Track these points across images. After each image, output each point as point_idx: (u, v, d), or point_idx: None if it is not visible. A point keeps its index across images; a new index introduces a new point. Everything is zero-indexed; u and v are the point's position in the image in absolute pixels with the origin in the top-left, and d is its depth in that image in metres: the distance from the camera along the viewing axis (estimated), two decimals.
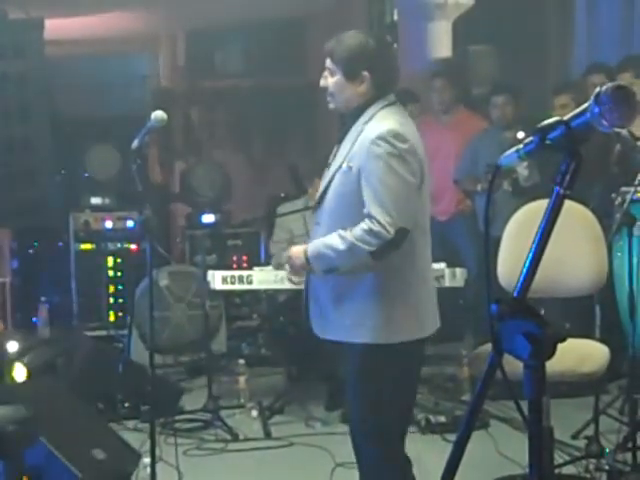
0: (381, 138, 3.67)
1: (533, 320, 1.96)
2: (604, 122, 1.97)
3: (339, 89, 3.86)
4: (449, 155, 7.41)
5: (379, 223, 3.62)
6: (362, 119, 3.80)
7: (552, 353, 1.96)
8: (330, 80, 3.87)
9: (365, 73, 3.80)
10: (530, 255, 2.05)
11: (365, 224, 3.64)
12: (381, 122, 3.74)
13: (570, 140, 2.03)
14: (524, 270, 2.04)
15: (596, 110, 1.97)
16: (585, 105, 2.01)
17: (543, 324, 1.96)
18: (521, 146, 2.15)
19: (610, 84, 1.99)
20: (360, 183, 3.72)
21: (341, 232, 3.70)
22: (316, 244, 3.80)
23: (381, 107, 3.81)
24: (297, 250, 3.90)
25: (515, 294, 2.02)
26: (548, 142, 2.07)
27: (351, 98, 3.85)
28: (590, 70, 6.84)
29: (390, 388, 3.81)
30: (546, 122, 2.10)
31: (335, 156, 3.90)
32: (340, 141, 3.90)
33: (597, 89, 1.98)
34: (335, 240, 3.71)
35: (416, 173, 3.73)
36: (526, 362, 1.96)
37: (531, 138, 2.12)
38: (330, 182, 3.85)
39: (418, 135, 3.84)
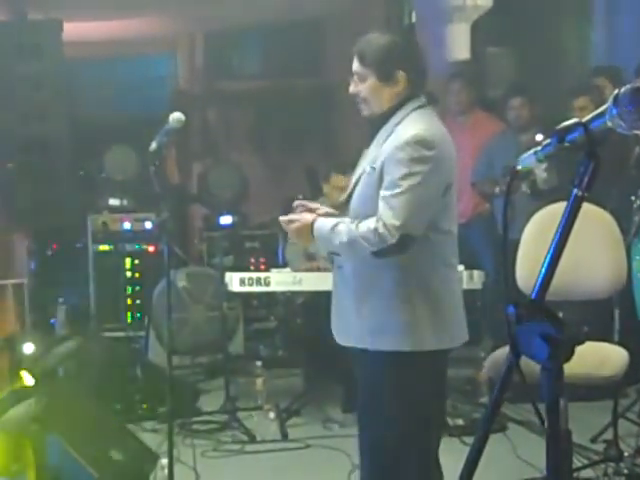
0: (407, 143, 3.60)
1: (551, 322, 1.95)
2: (622, 124, 1.97)
3: (374, 93, 3.75)
4: (466, 156, 7.38)
5: (385, 226, 3.55)
6: (393, 120, 3.73)
7: (570, 355, 1.96)
8: (362, 86, 3.77)
9: (401, 73, 3.71)
10: (548, 257, 2.04)
11: (372, 223, 3.59)
12: (411, 126, 3.67)
13: (588, 142, 2.03)
14: (542, 272, 2.04)
15: (614, 112, 1.97)
16: (604, 107, 2.01)
17: (561, 326, 1.95)
18: (539, 148, 2.15)
19: (629, 86, 1.99)
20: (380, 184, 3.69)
21: (349, 224, 3.67)
22: (323, 226, 3.74)
23: (412, 109, 3.74)
24: (305, 222, 3.81)
25: (533, 296, 2.02)
26: (566, 144, 2.07)
27: (386, 100, 3.75)
28: (594, 72, 6.86)
29: (417, 400, 3.73)
30: (564, 124, 2.10)
31: (363, 159, 3.87)
32: (369, 143, 3.84)
33: (616, 91, 1.98)
34: (342, 229, 3.66)
35: (440, 180, 3.68)
36: (544, 364, 1.96)
37: (549, 140, 2.12)
38: (356, 185, 3.82)
39: (449, 140, 3.79)
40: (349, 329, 3.82)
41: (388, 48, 3.75)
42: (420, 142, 3.62)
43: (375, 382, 3.81)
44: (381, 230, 3.58)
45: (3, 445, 4.72)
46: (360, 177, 3.80)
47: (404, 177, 3.59)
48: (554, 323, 1.96)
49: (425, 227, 3.68)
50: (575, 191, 2.03)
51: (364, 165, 3.79)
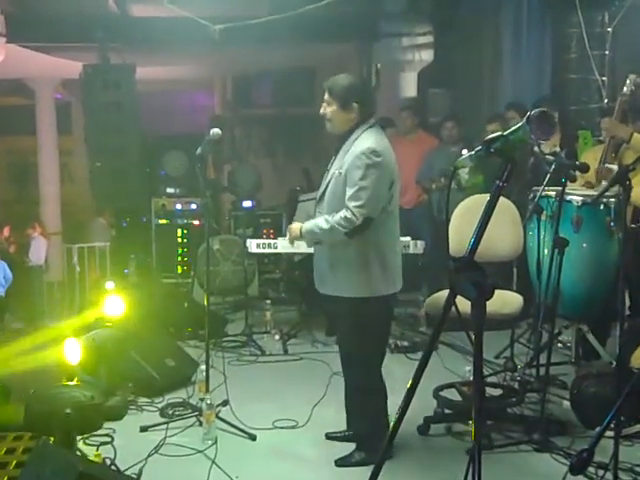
0: (363, 153, 3.65)
1: (479, 273, 1.92)
2: (532, 136, 1.93)
3: (335, 116, 3.79)
4: (412, 163, 7.36)
5: (352, 213, 3.63)
6: (352, 138, 3.75)
7: (491, 296, 1.93)
8: (328, 109, 3.80)
9: (354, 104, 3.75)
10: (478, 227, 1.99)
11: (343, 212, 3.66)
12: (364, 141, 3.70)
13: (508, 148, 1.99)
14: (473, 238, 1.98)
15: (527, 127, 1.92)
16: (519, 124, 1.96)
17: (485, 276, 1.92)
18: (472, 152, 2.11)
19: (537, 109, 1.94)
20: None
21: (327, 217, 3.72)
22: (309, 223, 3.82)
23: (365, 129, 3.76)
24: (295, 226, 3.93)
25: (467, 254, 1.97)
26: (492, 150, 2.03)
27: (343, 123, 3.79)
28: (507, 107, 6.80)
29: (369, 329, 3.81)
30: (490, 136, 2.05)
31: (332, 164, 3.86)
32: (336, 153, 3.85)
33: (528, 112, 1.93)
34: (322, 222, 3.72)
35: (386, 178, 3.71)
36: (474, 301, 1.92)
37: (480, 147, 2.07)
38: (328, 184, 3.81)
39: (391, 150, 3.82)
40: (325, 282, 3.88)
41: (348, 87, 3.77)
42: (372, 152, 3.66)
43: (344, 317, 3.87)
44: (349, 216, 3.63)
45: (88, 351, 4.68)
46: (331, 179, 3.80)
47: (362, 177, 3.64)
48: (481, 274, 1.92)
49: (379, 211, 3.70)
50: (498, 182, 1.99)
51: (333, 170, 3.80)
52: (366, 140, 3.71)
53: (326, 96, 3.81)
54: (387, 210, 3.76)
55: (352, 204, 3.63)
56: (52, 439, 3.53)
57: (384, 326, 3.96)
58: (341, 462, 3.95)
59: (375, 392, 3.91)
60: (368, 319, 3.79)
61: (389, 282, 3.81)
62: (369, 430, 3.91)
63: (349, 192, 3.65)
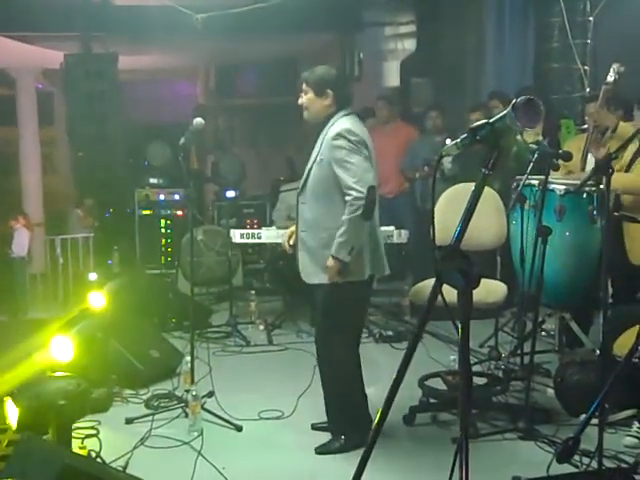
0: (338, 134, 3.72)
1: (465, 261, 1.90)
2: (518, 123, 1.90)
3: (310, 103, 3.87)
4: (391, 152, 7.37)
5: (354, 189, 3.65)
6: (328, 125, 3.83)
7: (478, 284, 1.90)
8: (305, 98, 3.88)
9: (329, 91, 3.82)
10: (465, 213, 1.95)
11: (346, 199, 3.67)
12: (340, 125, 3.77)
13: (494, 136, 1.96)
14: (460, 224, 1.94)
15: (513, 114, 1.90)
16: (505, 111, 1.94)
17: (472, 264, 1.90)
18: (458, 140, 2.08)
19: (523, 97, 1.92)
20: (331, 170, 3.73)
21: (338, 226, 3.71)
22: (333, 247, 3.73)
23: (340, 116, 3.83)
24: (328, 262, 3.77)
25: (453, 242, 1.94)
26: (478, 137, 2.00)
27: (319, 110, 3.86)
28: (490, 96, 6.80)
29: (338, 314, 3.85)
30: (476, 124, 2.02)
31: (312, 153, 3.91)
32: (315, 142, 3.90)
33: (514, 100, 1.91)
34: (340, 230, 3.69)
35: (367, 156, 3.76)
36: (461, 290, 1.90)
37: (466, 135, 2.04)
38: (309, 173, 3.85)
39: (367, 134, 3.87)
40: (310, 273, 3.90)
41: (322, 75, 3.87)
42: (347, 131, 3.73)
43: (325, 301, 3.88)
44: (355, 194, 3.65)
45: (78, 345, 4.62)
46: (312, 167, 3.84)
47: (347, 155, 3.69)
48: (467, 262, 1.90)
49: (373, 179, 3.72)
50: (484, 171, 1.97)
51: (313, 158, 3.85)
52: (342, 124, 3.78)
53: (303, 85, 3.89)
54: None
55: (350, 182, 3.66)
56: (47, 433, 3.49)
57: (355, 312, 3.97)
58: (321, 450, 3.97)
59: (346, 380, 3.94)
60: (337, 305, 3.83)
61: (362, 268, 3.83)
62: (344, 417, 3.95)
63: (341, 173, 3.69)
